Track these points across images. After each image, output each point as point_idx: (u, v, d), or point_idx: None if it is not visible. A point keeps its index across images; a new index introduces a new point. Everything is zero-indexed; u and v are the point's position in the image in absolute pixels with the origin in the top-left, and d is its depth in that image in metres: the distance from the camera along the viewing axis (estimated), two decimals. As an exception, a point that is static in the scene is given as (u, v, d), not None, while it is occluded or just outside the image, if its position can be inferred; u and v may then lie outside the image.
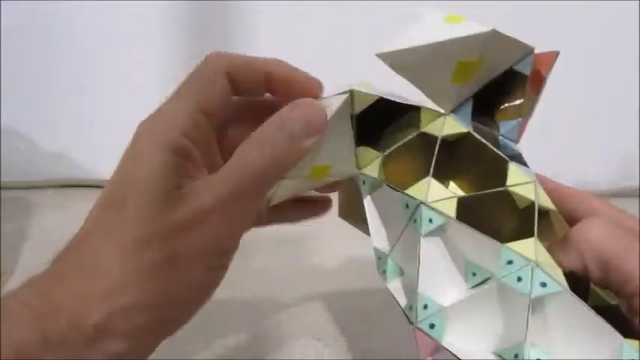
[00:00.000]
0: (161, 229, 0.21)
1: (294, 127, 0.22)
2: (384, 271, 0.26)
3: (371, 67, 0.51)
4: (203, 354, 0.35)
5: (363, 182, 0.27)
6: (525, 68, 0.26)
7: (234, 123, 0.26)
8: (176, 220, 0.21)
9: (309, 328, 0.37)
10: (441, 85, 0.25)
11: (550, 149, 0.50)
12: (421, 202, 0.24)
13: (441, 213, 0.23)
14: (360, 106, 0.26)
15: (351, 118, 0.26)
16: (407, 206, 0.24)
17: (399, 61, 0.24)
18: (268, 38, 0.51)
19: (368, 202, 0.27)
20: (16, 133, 0.56)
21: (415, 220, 0.24)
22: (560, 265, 0.22)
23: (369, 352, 0.35)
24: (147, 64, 0.53)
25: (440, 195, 0.24)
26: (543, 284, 0.21)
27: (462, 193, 0.25)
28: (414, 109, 0.26)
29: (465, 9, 0.48)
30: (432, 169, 0.24)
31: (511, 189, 0.23)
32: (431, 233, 0.23)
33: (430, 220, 0.23)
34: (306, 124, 0.22)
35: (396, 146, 0.26)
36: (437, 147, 0.25)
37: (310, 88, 0.25)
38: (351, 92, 0.26)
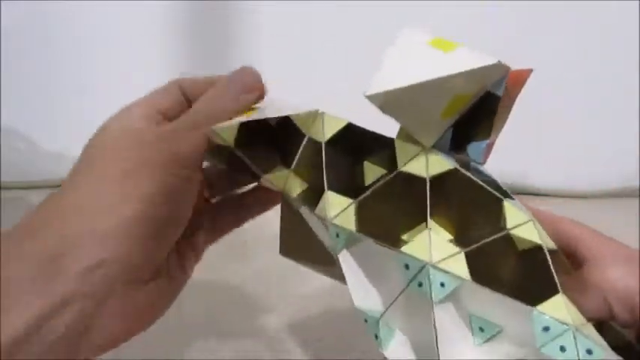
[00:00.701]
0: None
1: (234, 87, 0.26)
2: (377, 337, 0.24)
3: (371, 68, 0.51)
4: (203, 354, 0.35)
5: (337, 235, 0.23)
6: (499, 89, 0.23)
7: None
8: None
9: (309, 329, 0.37)
10: (429, 121, 0.22)
11: (550, 149, 0.50)
12: (426, 264, 0.21)
13: (453, 275, 0.21)
14: (330, 131, 0.24)
15: (321, 148, 0.24)
16: (407, 267, 0.22)
17: (392, 101, 0.21)
18: (268, 38, 0.51)
19: (344, 257, 0.24)
20: (16, 133, 0.56)
21: (420, 284, 0.21)
22: (581, 310, 0.20)
23: (369, 352, 0.35)
24: (147, 64, 0.53)
25: (444, 251, 0.21)
26: (589, 351, 0.19)
27: (448, 236, 0.23)
28: (387, 143, 0.24)
29: (465, 9, 0.49)
30: (428, 220, 0.22)
31: (512, 232, 0.21)
32: (444, 299, 0.21)
33: (442, 285, 0.21)
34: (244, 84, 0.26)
35: (371, 191, 0.23)
36: (428, 191, 0.22)
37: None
38: (322, 114, 0.25)
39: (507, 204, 0.22)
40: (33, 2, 0.52)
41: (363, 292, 0.24)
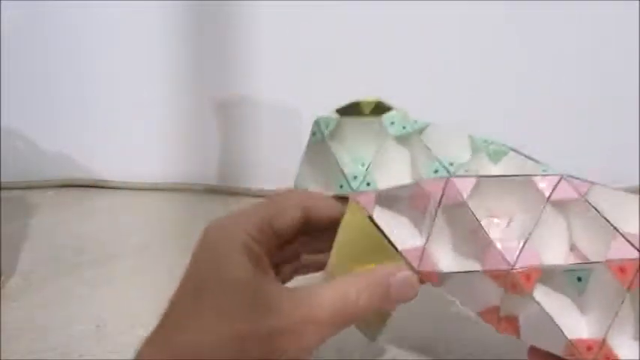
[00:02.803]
0: (257, 330, 0.22)
1: (393, 291, 0.24)
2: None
3: (371, 67, 0.51)
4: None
5: None
6: None
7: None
8: (274, 325, 0.22)
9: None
10: None
11: (550, 149, 0.50)
12: None
13: None
14: None
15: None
16: None
17: None
18: (268, 38, 0.51)
19: None
20: (16, 133, 0.56)
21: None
22: None
23: (369, 353, 0.35)
24: (147, 64, 0.53)
25: None
26: None
27: None
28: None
29: (465, 9, 0.49)
30: None
31: None
32: None
33: None
34: (402, 293, 0.25)
35: None
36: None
37: None
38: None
39: None
40: (33, 2, 0.52)
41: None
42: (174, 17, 0.52)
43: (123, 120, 0.56)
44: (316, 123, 0.27)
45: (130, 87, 0.55)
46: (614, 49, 0.50)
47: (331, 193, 0.26)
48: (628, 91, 0.51)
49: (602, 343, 0.21)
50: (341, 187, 0.26)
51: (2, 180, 0.57)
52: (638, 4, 0.48)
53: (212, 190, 0.58)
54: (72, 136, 0.57)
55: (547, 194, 0.23)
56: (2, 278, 0.43)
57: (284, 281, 0.29)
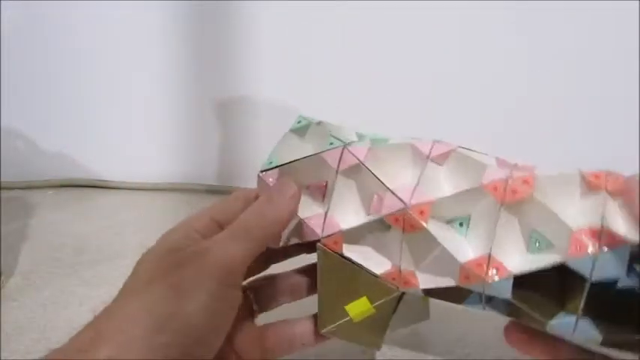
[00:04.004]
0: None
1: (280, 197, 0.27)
2: None
3: (371, 68, 0.51)
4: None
5: None
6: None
7: None
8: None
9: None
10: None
11: (550, 149, 0.50)
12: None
13: None
14: None
15: None
16: None
17: None
18: (268, 38, 0.51)
19: None
20: (16, 133, 0.57)
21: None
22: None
23: (369, 352, 0.35)
24: (147, 64, 0.53)
25: None
26: None
27: None
28: None
29: (465, 9, 0.49)
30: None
31: None
32: None
33: None
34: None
35: None
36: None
37: None
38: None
39: None
40: (33, 3, 0.52)
41: None
42: (174, 17, 0.52)
43: (123, 120, 0.56)
44: (300, 116, 0.30)
45: (130, 87, 0.55)
46: (614, 49, 0.50)
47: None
48: (628, 91, 0.51)
49: (489, 257, 0.24)
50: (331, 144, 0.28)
51: (2, 180, 0.57)
52: (638, 4, 0.48)
53: (212, 190, 0.58)
54: (72, 136, 0.57)
55: (426, 153, 0.26)
56: (2, 278, 0.43)
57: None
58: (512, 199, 0.24)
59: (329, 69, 0.51)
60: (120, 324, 0.22)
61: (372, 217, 0.26)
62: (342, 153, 0.27)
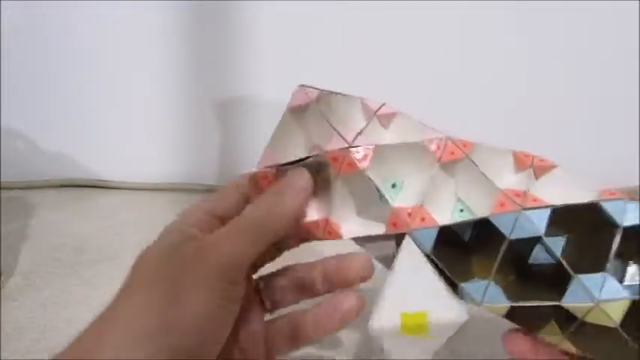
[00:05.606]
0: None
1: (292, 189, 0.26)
2: None
3: (372, 68, 0.51)
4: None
5: None
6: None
7: None
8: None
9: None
10: None
11: (550, 149, 0.50)
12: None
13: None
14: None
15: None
16: None
17: None
18: (268, 38, 0.51)
19: None
20: (16, 133, 0.57)
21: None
22: None
23: (368, 352, 0.35)
24: (147, 64, 0.53)
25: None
26: None
27: None
28: None
29: (465, 9, 0.49)
30: None
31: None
32: None
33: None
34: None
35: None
36: None
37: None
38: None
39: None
40: (33, 3, 0.52)
41: None
42: (174, 17, 0.52)
43: (123, 120, 0.56)
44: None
45: (130, 87, 0.55)
46: (614, 49, 0.50)
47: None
48: (628, 91, 0.51)
49: (420, 207, 0.25)
50: None
51: (2, 180, 0.57)
52: (638, 4, 0.48)
53: (212, 190, 0.58)
54: (72, 136, 0.57)
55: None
56: (2, 278, 0.43)
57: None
58: (449, 158, 0.25)
59: (329, 69, 0.51)
60: (124, 325, 0.22)
61: (313, 154, 0.27)
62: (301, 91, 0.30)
